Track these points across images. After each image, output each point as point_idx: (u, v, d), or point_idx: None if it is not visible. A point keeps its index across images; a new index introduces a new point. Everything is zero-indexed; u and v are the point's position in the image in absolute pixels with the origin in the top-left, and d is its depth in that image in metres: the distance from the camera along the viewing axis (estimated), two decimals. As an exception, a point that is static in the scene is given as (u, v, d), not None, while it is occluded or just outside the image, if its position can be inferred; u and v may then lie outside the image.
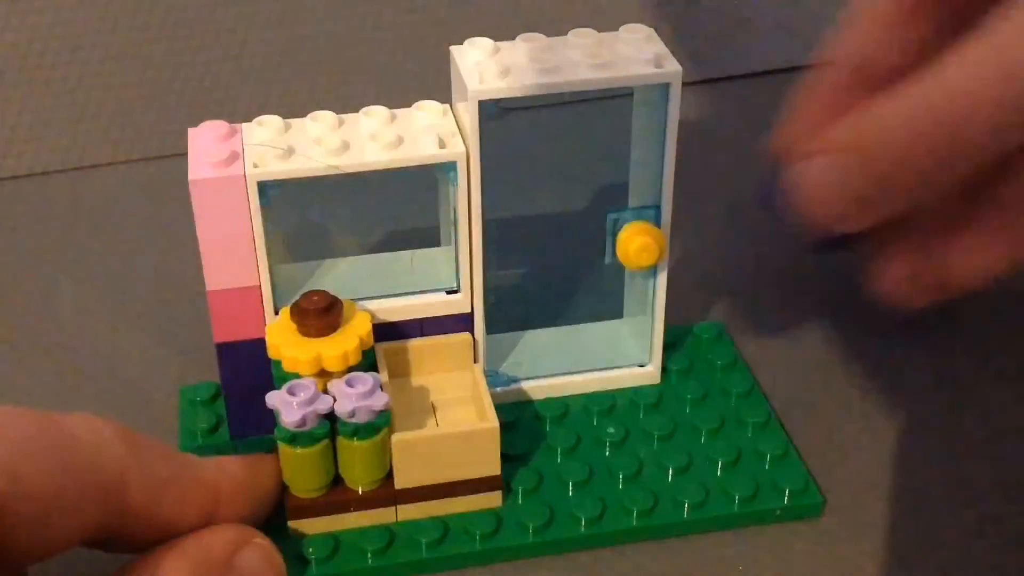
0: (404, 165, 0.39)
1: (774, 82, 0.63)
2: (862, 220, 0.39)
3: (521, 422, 0.44)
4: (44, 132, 0.59)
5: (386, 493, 0.40)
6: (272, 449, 0.39)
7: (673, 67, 0.40)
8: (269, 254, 0.40)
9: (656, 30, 0.41)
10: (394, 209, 0.43)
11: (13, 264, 0.54)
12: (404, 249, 0.44)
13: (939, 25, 0.40)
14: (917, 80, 0.36)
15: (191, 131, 0.41)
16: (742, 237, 0.54)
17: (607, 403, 0.45)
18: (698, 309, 0.50)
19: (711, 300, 0.50)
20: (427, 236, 0.45)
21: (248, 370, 0.42)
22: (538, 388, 0.45)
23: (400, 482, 0.40)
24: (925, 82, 0.36)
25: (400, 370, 0.43)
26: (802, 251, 0.44)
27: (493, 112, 0.40)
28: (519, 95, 0.39)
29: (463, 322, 0.43)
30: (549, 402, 0.45)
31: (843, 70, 0.41)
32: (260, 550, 0.37)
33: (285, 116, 0.41)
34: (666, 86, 0.40)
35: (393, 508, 0.40)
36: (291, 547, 0.39)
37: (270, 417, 0.41)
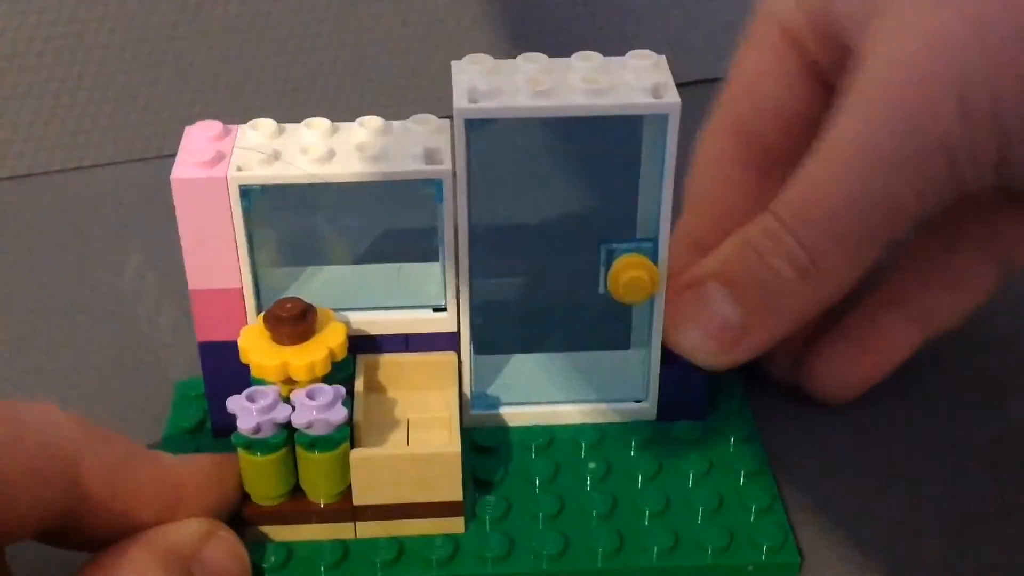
0: (386, 179, 0.39)
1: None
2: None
3: (503, 448, 0.43)
4: (44, 132, 0.60)
5: (345, 508, 0.39)
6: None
7: (672, 99, 0.38)
8: (254, 257, 0.40)
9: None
10: (395, 219, 0.42)
11: (13, 264, 0.55)
12: (403, 261, 0.44)
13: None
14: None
15: (187, 129, 0.41)
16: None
17: (596, 436, 0.43)
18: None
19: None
20: (429, 249, 0.44)
21: (230, 370, 0.42)
22: (527, 414, 0.44)
23: (359, 498, 0.39)
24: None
25: (381, 384, 0.42)
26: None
27: (482, 130, 0.39)
28: (506, 116, 0.38)
29: (449, 341, 0.42)
30: (536, 430, 0.44)
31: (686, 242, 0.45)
32: (225, 543, 0.37)
33: (296, 119, 0.41)
34: (664, 117, 0.39)
35: (352, 524, 0.40)
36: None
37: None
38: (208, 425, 0.44)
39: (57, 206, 0.58)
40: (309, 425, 0.38)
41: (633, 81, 0.39)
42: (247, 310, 0.41)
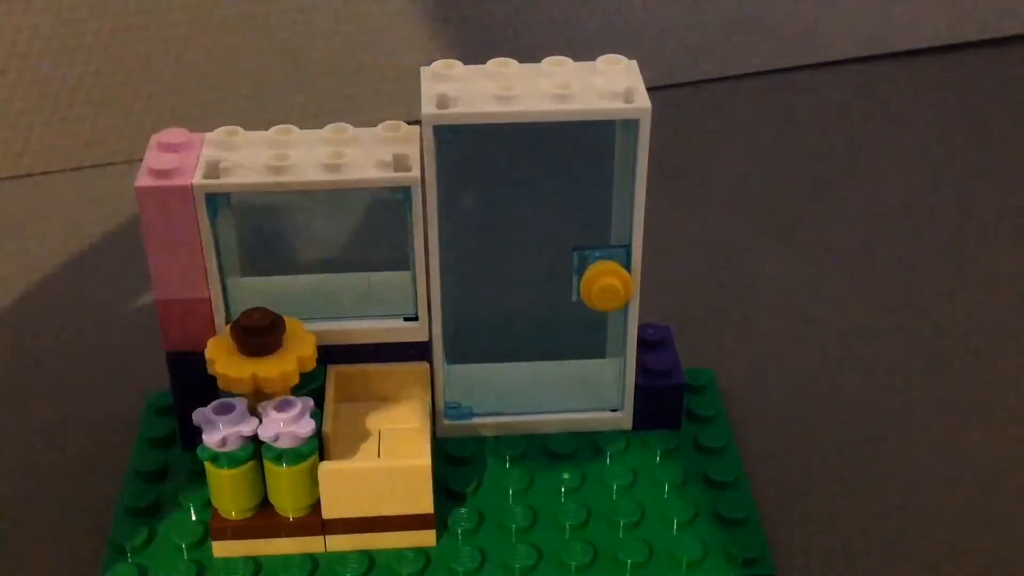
0: (351, 187, 0.38)
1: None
2: None
3: (476, 458, 0.42)
4: (44, 132, 0.60)
5: (315, 521, 0.39)
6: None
7: (642, 103, 0.38)
8: (222, 266, 0.40)
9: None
10: (364, 228, 0.42)
11: (12, 264, 0.54)
12: (373, 270, 0.43)
13: None
14: None
15: (154, 137, 0.40)
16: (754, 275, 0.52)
17: (570, 447, 0.43)
18: (694, 352, 0.47)
19: (706, 342, 0.48)
20: (399, 257, 0.43)
21: (198, 381, 0.41)
22: (501, 424, 0.43)
23: (328, 512, 0.39)
24: None
25: (352, 394, 0.42)
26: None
27: (448, 137, 0.38)
28: (473, 123, 0.38)
29: (420, 351, 0.42)
30: (510, 440, 0.43)
31: None
32: None
33: (274, 125, 0.41)
34: (635, 123, 0.38)
35: (322, 537, 0.39)
36: (216, 569, 0.38)
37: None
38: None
39: (57, 206, 0.58)
40: (276, 438, 0.37)
41: (604, 86, 0.38)
42: (216, 321, 0.40)
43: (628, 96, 0.38)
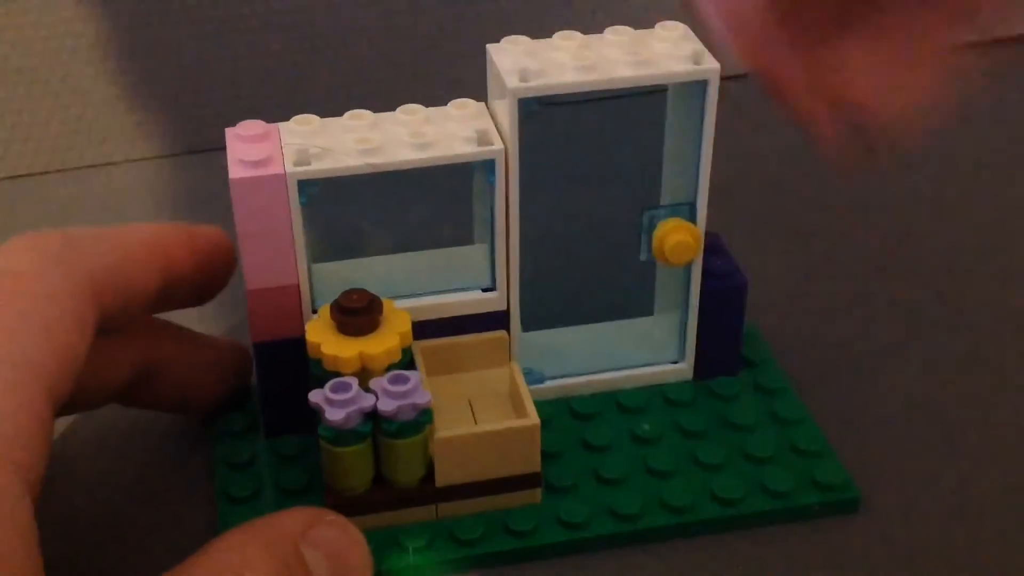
0: (443, 163, 0.39)
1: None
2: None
3: (555, 420, 0.44)
4: (44, 132, 0.59)
5: (426, 490, 0.40)
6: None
7: (712, 64, 0.40)
8: (307, 252, 0.40)
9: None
10: (423, 207, 0.43)
11: None
12: (435, 247, 0.44)
13: None
14: None
15: (228, 131, 0.40)
16: (774, 236, 0.54)
17: (641, 400, 0.45)
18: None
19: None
20: (458, 235, 0.45)
21: (284, 369, 0.42)
22: (569, 386, 0.45)
23: (441, 480, 0.40)
24: None
25: (436, 368, 0.43)
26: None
27: (530, 110, 0.40)
28: (558, 93, 0.39)
29: (498, 320, 0.43)
30: (582, 399, 0.45)
31: None
32: (335, 525, 0.36)
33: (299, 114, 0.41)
34: (704, 83, 0.40)
35: (433, 506, 0.40)
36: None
37: (305, 417, 0.41)
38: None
39: (57, 206, 0.57)
40: (396, 412, 0.38)
41: (671, 50, 0.40)
42: (303, 306, 0.41)
43: (696, 58, 0.40)
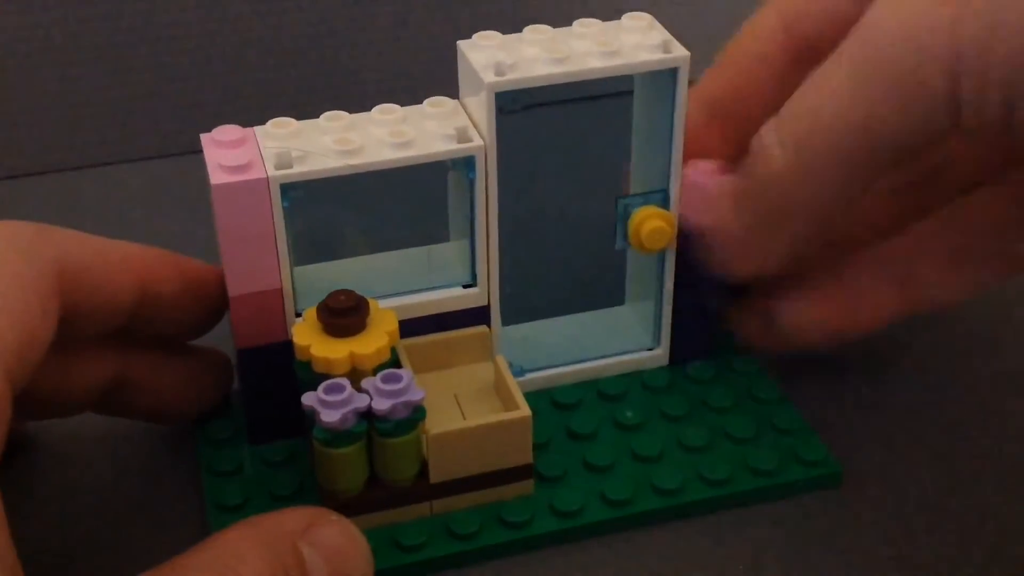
0: (425, 162, 0.40)
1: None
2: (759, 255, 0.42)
3: (539, 411, 0.44)
4: (44, 132, 0.59)
5: (420, 487, 0.40)
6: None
7: (680, 52, 0.41)
8: (290, 256, 0.40)
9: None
10: (399, 207, 0.43)
11: None
12: (412, 246, 0.44)
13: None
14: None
15: (204, 137, 0.40)
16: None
17: (620, 387, 0.45)
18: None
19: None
20: (434, 233, 0.45)
21: (269, 375, 0.42)
22: (549, 377, 0.45)
23: (435, 476, 0.40)
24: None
25: (421, 365, 0.43)
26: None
27: (505, 107, 0.40)
28: (533, 86, 0.40)
29: (480, 315, 0.43)
30: (563, 389, 0.45)
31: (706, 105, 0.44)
32: (337, 526, 0.36)
33: (286, 116, 0.41)
34: (673, 71, 0.41)
35: (428, 503, 0.40)
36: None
37: (290, 423, 0.42)
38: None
39: (57, 206, 0.57)
40: (391, 410, 0.38)
41: (640, 40, 0.41)
42: (287, 310, 0.41)
43: (665, 47, 0.41)
